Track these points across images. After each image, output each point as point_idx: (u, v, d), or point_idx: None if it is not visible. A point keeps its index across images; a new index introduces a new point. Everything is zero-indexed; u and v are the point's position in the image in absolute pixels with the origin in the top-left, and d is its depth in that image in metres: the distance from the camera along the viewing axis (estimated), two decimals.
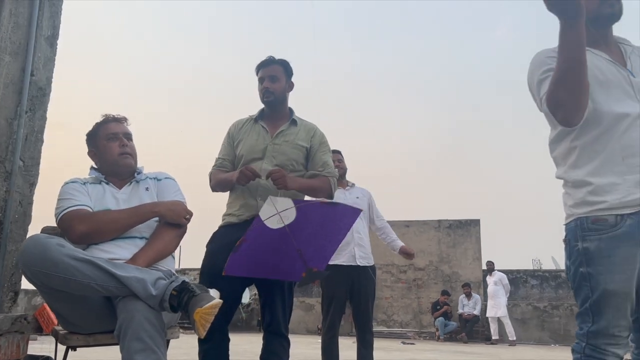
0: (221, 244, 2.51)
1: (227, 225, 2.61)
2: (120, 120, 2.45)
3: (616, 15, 1.82)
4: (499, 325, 11.19)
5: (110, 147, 2.37)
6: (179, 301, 1.82)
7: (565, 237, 1.79)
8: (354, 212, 2.41)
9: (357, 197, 4.14)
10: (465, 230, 13.05)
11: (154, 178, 2.45)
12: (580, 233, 1.70)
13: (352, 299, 3.98)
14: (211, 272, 2.48)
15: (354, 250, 3.95)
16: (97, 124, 2.45)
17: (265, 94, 2.68)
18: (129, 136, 2.43)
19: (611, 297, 1.63)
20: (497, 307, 11.14)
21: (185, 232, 2.34)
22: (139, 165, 2.48)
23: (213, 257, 2.54)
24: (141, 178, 2.42)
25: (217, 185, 2.71)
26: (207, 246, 2.66)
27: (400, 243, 4.33)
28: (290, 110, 2.78)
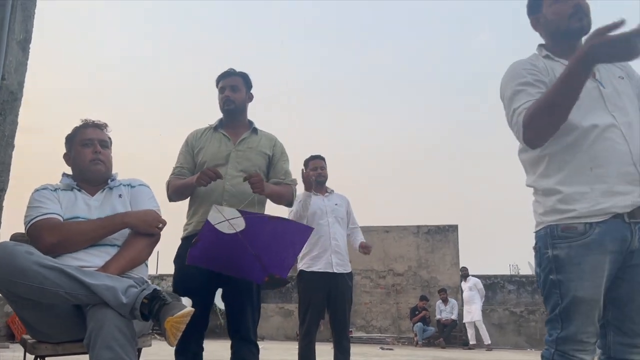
0: None
1: (193, 235, 2.59)
2: (100, 127, 2.42)
3: (585, 29, 1.86)
4: (475, 330, 11.30)
5: (83, 152, 2.35)
6: (150, 309, 1.80)
7: (536, 244, 1.82)
8: (306, 231, 2.46)
9: (336, 204, 4.17)
10: (444, 235, 13.16)
11: (128, 185, 2.42)
12: (550, 241, 1.73)
13: (329, 306, 3.99)
14: (185, 287, 2.47)
15: (331, 257, 3.96)
16: (75, 128, 2.42)
17: (226, 102, 2.75)
18: (104, 143, 2.40)
19: (580, 304, 1.66)
20: (473, 312, 11.25)
21: (158, 240, 2.32)
22: (114, 171, 2.44)
23: (184, 271, 2.55)
24: (114, 185, 2.39)
25: (175, 192, 2.72)
26: (175, 262, 2.67)
27: (360, 239, 4.29)
28: (250, 121, 2.86)
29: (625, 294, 1.71)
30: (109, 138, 2.45)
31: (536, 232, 1.82)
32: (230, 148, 2.73)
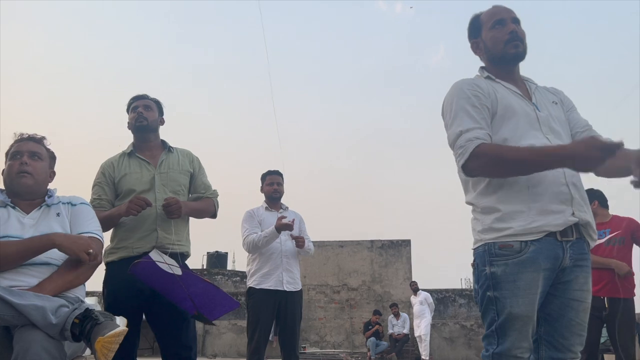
0: (122, 279, 2.46)
1: (122, 260, 2.57)
2: (34, 139, 2.30)
3: (520, 55, 1.93)
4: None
5: (10, 165, 2.23)
6: (82, 330, 1.74)
7: (474, 261, 1.85)
8: (233, 305, 2.56)
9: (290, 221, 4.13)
10: (397, 250, 13.32)
11: (68, 203, 2.29)
12: (488, 258, 1.76)
13: (278, 323, 3.95)
14: (115, 308, 2.42)
15: (282, 275, 3.92)
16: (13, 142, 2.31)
17: (138, 119, 2.75)
18: (36, 155, 2.26)
19: (515, 320, 1.71)
20: (421, 326, 11.32)
21: (100, 263, 2.22)
22: (52, 187, 2.32)
23: (116, 294, 2.53)
24: (53, 202, 2.25)
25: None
26: (104, 287, 2.63)
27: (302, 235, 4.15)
28: (163, 141, 2.88)
29: (556, 310, 1.78)
30: (48, 151, 2.34)
31: (475, 249, 1.85)
32: (152, 172, 2.72)
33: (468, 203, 1.92)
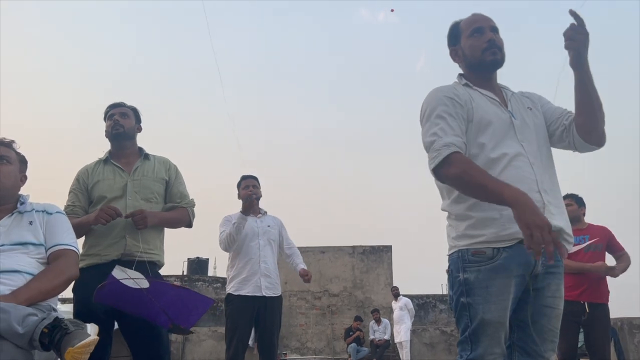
0: (91, 286, 2.38)
1: (90, 267, 2.54)
2: (3, 143, 2.23)
3: (499, 62, 1.95)
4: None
5: None
6: (51, 339, 1.68)
7: (449, 267, 1.86)
8: (208, 302, 2.49)
9: (269, 226, 4.12)
10: (378, 256, 13.34)
11: (43, 211, 2.22)
12: (462, 264, 1.77)
13: (257, 330, 3.92)
14: (86, 317, 2.40)
15: (260, 280, 3.89)
16: None
17: (114, 126, 2.75)
18: (4, 158, 2.20)
19: (487, 326, 1.71)
20: (402, 332, 11.33)
21: (77, 276, 2.19)
22: (25, 193, 2.26)
23: (86, 301, 2.45)
24: (25, 209, 2.18)
25: None
26: (74, 294, 2.58)
27: (302, 266, 4.29)
28: (140, 148, 2.87)
29: (529, 317, 1.78)
30: (18, 155, 2.27)
31: (449, 255, 1.86)
32: (125, 179, 2.70)
33: (443, 210, 1.93)
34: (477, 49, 1.93)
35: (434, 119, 1.83)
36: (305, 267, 4.26)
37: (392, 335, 11.87)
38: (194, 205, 2.88)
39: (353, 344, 11.64)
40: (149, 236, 2.62)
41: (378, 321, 11.98)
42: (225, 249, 3.95)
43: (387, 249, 13.41)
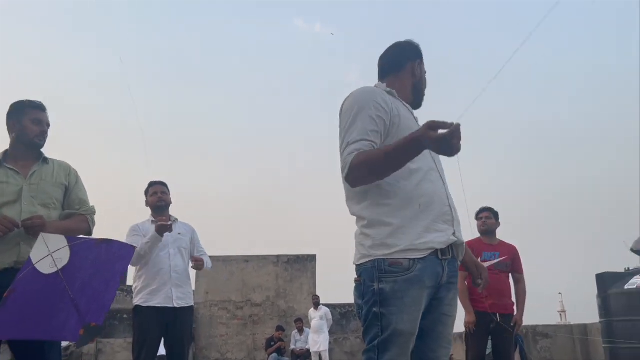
0: None
1: None
2: None
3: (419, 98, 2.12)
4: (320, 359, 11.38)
5: None
6: None
7: (359, 276, 1.83)
8: (130, 250, 2.42)
9: (179, 234, 3.95)
10: (302, 265, 13.34)
11: None
12: (377, 274, 1.76)
13: (166, 342, 3.75)
14: None
15: (171, 291, 3.74)
16: None
17: (42, 137, 2.66)
18: None
19: (400, 336, 1.73)
20: (321, 342, 11.31)
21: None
22: None
23: None
24: None
25: None
26: None
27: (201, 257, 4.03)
28: (40, 152, 2.72)
29: (428, 325, 1.82)
30: None
31: (361, 264, 1.83)
32: (20, 183, 2.55)
33: (355, 215, 1.90)
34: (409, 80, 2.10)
35: (352, 123, 1.82)
36: (204, 259, 3.98)
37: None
38: (94, 212, 2.77)
39: (274, 354, 11.51)
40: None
41: (301, 330, 11.93)
42: (133, 265, 3.77)
43: (312, 258, 13.44)
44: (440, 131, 1.59)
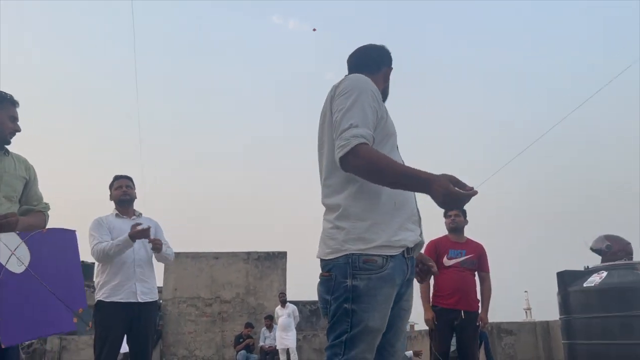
0: None
1: None
2: None
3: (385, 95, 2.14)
4: (287, 357, 11.37)
5: None
6: None
7: (329, 271, 1.79)
8: (71, 234, 2.43)
9: None
10: (273, 262, 13.29)
11: None
12: (351, 271, 1.74)
13: (129, 339, 3.68)
14: None
15: (135, 286, 3.66)
16: None
17: (13, 135, 2.57)
18: None
19: (369, 333, 1.73)
20: (289, 338, 11.30)
21: None
22: None
23: None
24: None
25: None
26: None
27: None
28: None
29: (390, 320, 1.83)
30: None
31: (332, 259, 1.78)
32: None
33: (331, 203, 1.85)
34: (381, 83, 2.11)
35: (354, 105, 1.79)
36: (162, 241, 3.84)
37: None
38: (49, 209, 2.74)
39: (242, 351, 11.46)
40: None
41: (270, 327, 11.89)
42: (98, 261, 3.69)
43: (282, 255, 13.41)
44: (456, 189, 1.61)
